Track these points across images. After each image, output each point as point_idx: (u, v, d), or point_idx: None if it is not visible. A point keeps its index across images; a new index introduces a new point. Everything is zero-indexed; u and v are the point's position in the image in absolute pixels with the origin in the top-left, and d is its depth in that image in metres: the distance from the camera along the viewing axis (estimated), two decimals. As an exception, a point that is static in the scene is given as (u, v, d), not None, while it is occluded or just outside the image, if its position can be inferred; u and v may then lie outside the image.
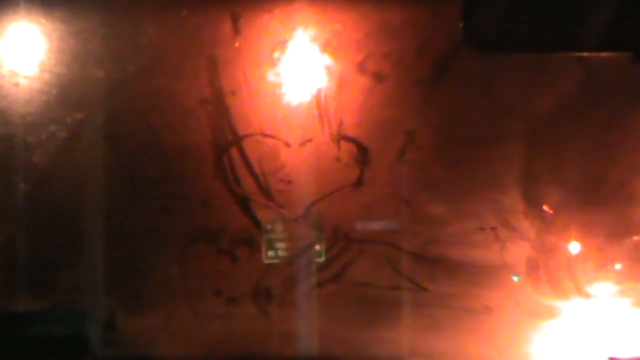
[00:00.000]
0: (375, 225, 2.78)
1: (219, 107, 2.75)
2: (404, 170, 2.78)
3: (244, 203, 2.78)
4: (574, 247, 2.76)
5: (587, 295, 2.74)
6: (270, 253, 2.79)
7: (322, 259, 2.78)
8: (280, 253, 2.79)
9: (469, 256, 2.76)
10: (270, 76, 2.76)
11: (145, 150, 2.75)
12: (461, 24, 2.66)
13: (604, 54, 2.65)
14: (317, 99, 2.77)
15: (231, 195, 2.77)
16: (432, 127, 2.77)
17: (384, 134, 2.78)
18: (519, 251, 2.77)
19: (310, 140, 2.78)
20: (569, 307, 2.74)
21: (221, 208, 2.77)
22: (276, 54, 2.76)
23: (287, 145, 2.78)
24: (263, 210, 2.78)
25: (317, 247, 2.78)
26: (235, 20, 2.71)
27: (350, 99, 2.76)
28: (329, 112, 2.76)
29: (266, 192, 2.79)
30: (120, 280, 2.74)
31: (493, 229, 2.76)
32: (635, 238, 2.70)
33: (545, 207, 2.77)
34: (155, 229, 2.75)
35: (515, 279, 2.77)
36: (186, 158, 2.76)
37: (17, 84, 2.70)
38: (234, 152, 2.76)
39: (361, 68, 2.77)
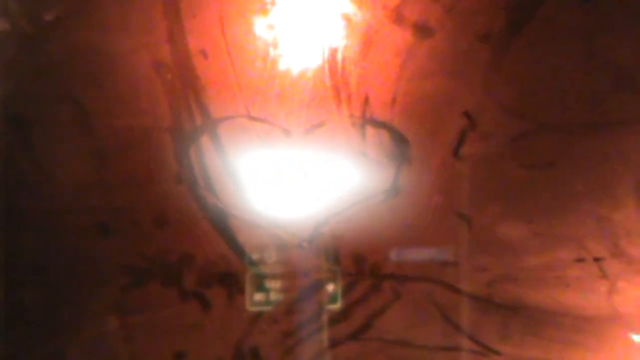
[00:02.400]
0: (419, 254, 2.49)
1: (184, 75, 2.42)
2: (461, 170, 2.45)
3: (219, 220, 2.45)
4: None
5: None
6: (259, 296, 2.48)
7: (337, 305, 2.49)
8: (274, 296, 2.49)
9: (562, 302, 2.47)
10: (260, 29, 2.42)
11: (71, 140, 2.41)
12: (552, -49, 2.37)
13: None
14: (331, 65, 2.44)
15: (200, 208, 2.45)
16: (505, 106, 2.43)
17: (431, 116, 2.44)
18: (637, 294, 2.47)
19: (320, 125, 2.44)
20: None
21: (185, 228, 2.44)
22: (269, -3, 2.45)
23: (286, 133, 2.45)
24: (248, 231, 2.47)
25: (331, 286, 2.50)
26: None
27: (381, 63, 2.43)
28: (348, 83, 2.44)
29: (253, 203, 2.46)
30: (30, 337, 2.42)
31: (598, 260, 2.45)
32: None
33: (679, 229, 2.44)
34: (85, 260, 2.43)
35: (634, 337, 2.48)
36: (133, 152, 2.43)
37: None
38: (204, 142, 2.44)
39: (397, 16, 2.42)
